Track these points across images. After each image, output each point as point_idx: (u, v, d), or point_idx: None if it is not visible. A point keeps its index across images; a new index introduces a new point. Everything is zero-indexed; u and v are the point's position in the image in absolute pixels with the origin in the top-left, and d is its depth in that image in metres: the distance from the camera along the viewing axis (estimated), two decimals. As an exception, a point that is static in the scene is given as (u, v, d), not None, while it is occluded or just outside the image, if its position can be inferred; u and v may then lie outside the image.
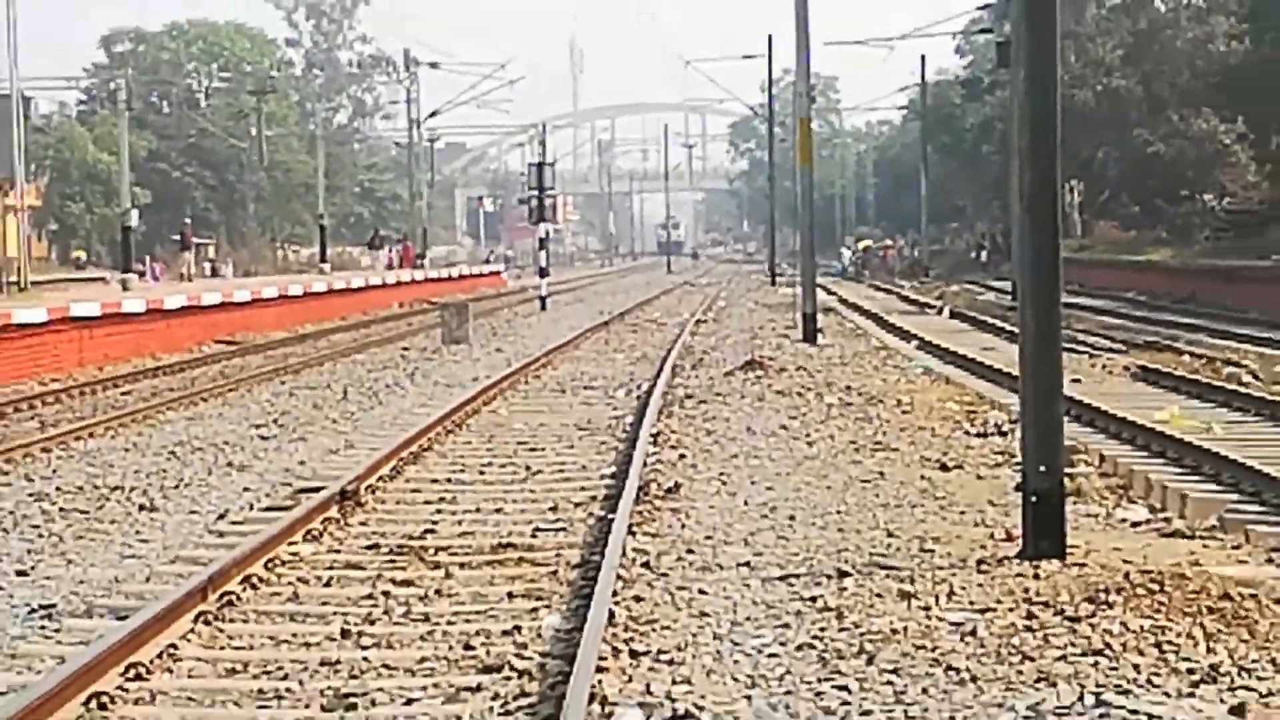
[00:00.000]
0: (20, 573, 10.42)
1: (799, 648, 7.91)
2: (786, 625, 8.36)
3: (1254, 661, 7.47)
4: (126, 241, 48.82)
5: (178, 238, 62.51)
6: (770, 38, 69.07)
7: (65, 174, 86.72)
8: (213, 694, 7.54)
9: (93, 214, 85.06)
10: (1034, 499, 9.74)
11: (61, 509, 12.80)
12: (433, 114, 75.52)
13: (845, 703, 7.00)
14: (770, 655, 7.80)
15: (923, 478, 13.32)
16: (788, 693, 7.18)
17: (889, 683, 7.26)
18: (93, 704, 7.15)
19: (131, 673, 7.63)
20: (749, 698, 7.12)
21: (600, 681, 7.18)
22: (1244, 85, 51.44)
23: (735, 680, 7.40)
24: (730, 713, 6.89)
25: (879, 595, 8.90)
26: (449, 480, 13.93)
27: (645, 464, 13.83)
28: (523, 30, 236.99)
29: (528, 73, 75.69)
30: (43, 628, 8.90)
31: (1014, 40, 10.13)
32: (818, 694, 7.14)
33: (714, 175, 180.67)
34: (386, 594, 9.42)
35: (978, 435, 16.08)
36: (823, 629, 8.23)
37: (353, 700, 7.33)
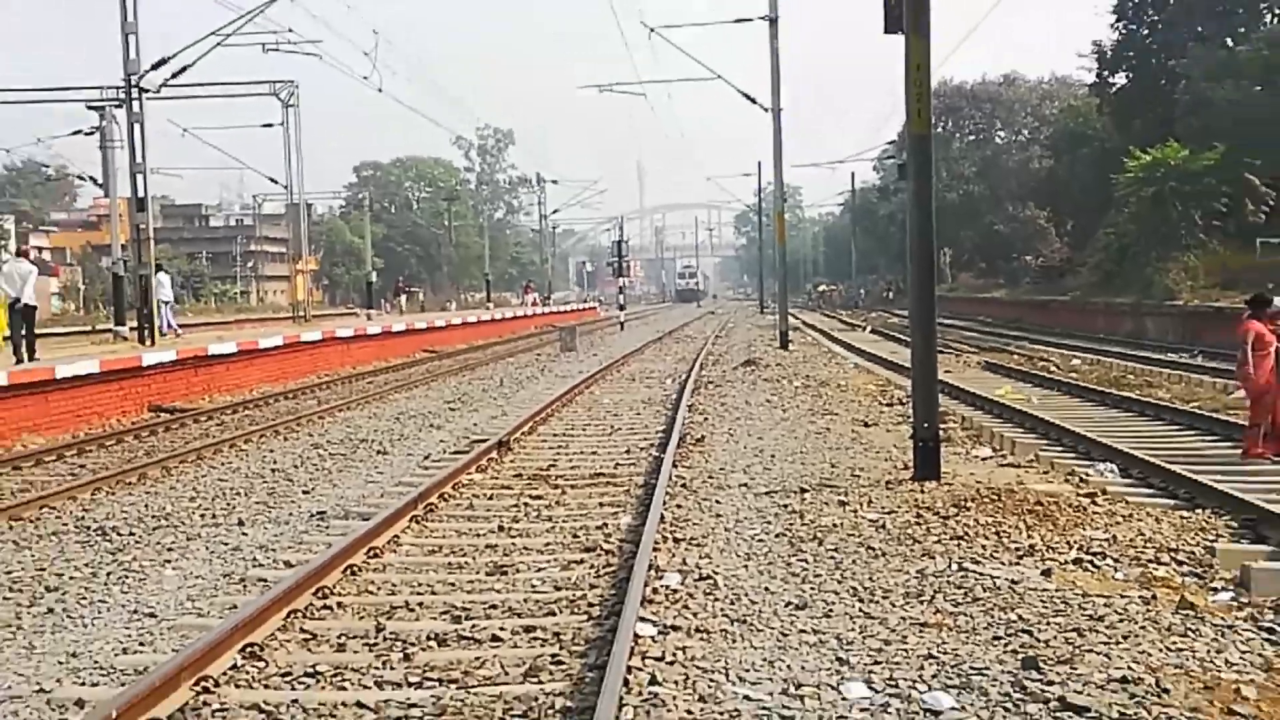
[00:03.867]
0: (305, 492, 10.53)
1: (776, 535, 7.89)
2: (769, 522, 8.33)
3: (1056, 542, 7.41)
4: (369, 291, 49.78)
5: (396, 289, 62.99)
6: (759, 163, 69.58)
7: (331, 250, 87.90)
8: (420, 565, 7.59)
9: (349, 275, 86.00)
10: (920, 444, 9.69)
11: (330, 453, 12.92)
12: (554, 211, 76.12)
13: (804, 568, 6.98)
14: (758, 540, 7.78)
15: (853, 431, 13.24)
16: (769, 563, 7.17)
17: (831, 557, 7.23)
18: (347, 571, 7.22)
19: (371, 553, 7.70)
20: (746, 566, 7.11)
21: (655, 557, 7.19)
22: (1050, 189, 51.36)
23: (737, 556, 7.37)
24: (734, 575, 6.87)
25: (825, 503, 8.86)
26: (564, 434, 13.94)
27: (683, 424, 13.80)
28: (607, 157, 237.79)
29: (611, 184, 76.28)
30: (317, 526, 8.98)
31: (907, 164, 10.04)
32: (788, 564, 7.12)
33: (725, 247, 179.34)
34: (525, 504, 9.45)
35: (887, 405, 15.97)
36: (791, 524, 8.20)
37: (505, 568, 7.37)
